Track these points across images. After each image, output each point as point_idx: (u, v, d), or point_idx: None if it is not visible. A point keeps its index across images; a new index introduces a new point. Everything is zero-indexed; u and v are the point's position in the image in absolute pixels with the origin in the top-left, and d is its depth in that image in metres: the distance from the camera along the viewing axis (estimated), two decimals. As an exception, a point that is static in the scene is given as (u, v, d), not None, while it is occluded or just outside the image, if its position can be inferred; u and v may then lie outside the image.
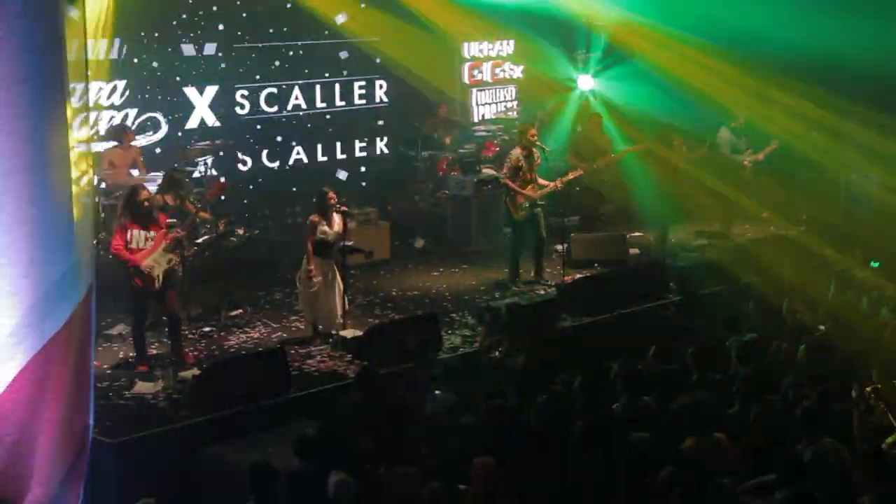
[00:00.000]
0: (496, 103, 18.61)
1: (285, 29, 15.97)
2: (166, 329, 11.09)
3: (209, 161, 14.57)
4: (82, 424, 8.07)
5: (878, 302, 11.46)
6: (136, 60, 14.47)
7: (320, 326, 11.64)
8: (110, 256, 11.01)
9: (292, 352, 11.14)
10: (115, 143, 13.77)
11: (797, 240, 15.11)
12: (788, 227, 16.14)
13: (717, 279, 13.20)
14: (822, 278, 12.53)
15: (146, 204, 10.62)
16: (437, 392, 9.10)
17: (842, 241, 14.38)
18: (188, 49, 14.97)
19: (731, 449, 7.82)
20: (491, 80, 18.52)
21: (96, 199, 12.88)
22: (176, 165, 14.45)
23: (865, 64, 15.66)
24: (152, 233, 10.59)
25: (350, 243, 11.96)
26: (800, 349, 9.77)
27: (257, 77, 15.76)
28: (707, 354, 9.53)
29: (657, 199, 15.27)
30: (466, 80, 18.23)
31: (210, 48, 15.18)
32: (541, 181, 13.49)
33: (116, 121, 14.37)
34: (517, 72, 18.79)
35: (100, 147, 13.80)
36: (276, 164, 16.22)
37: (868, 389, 8.00)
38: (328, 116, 16.67)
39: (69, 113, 7.24)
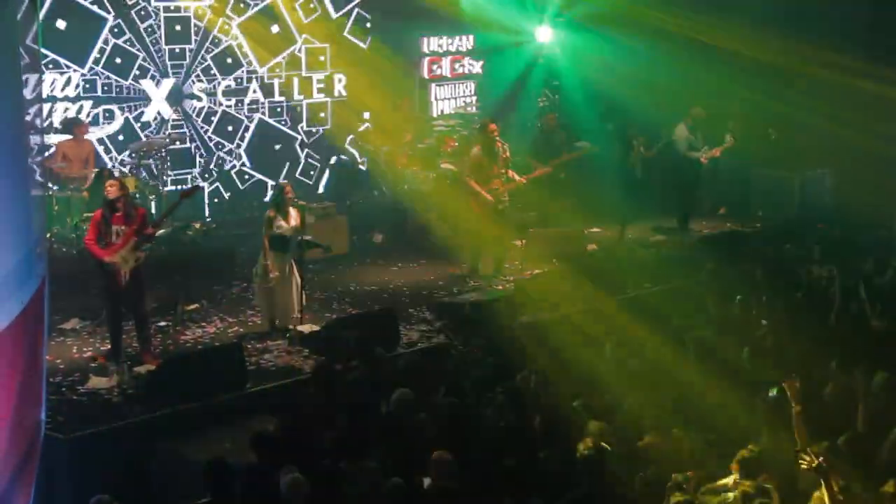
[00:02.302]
0: (455, 98, 18.58)
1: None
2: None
3: (165, 154, 14.46)
4: (34, 420, 7.97)
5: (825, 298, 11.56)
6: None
7: (277, 321, 11.57)
8: (75, 251, 10.91)
9: (249, 347, 11.07)
10: (68, 136, 13.62)
11: (751, 237, 15.26)
12: (744, 223, 16.28)
13: (673, 275, 13.27)
14: (776, 276, 12.62)
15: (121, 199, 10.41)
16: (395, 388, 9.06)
17: (796, 237, 14.51)
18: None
19: (688, 445, 7.85)
20: (450, 76, 18.49)
21: (49, 192, 12.75)
22: (130, 158, 14.38)
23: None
24: (124, 228, 10.36)
25: (308, 238, 11.89)
26: (745, 350, 9.80)
27: (214, 70, 15.62)
28: (662, 351, 9.57)
29: (615, 195, 15.36)
30: (425, 75, 18.19)
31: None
32: (511, 174, 13.48)
33: (71, 113, 14.20)
34: (476, 67, 18.78)
35: (53, 139, 13.65)
36: (235, 158, 16.08)
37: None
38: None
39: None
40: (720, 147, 16.07)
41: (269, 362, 10.85)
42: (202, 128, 15.65)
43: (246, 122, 16.08)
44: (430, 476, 7.40)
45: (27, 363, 7.46)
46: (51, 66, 13.92)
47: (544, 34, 18.92)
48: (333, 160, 17.11)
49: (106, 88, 14.58)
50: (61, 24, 13.93)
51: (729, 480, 7.08)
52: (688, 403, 8.59)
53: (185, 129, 15.38)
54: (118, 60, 14.63)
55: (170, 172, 14.82)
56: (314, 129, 16.90)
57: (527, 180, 13.74)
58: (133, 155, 14.34)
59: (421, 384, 9.08)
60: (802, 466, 6.48)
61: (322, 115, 16.95)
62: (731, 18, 16.68)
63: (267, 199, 15.25)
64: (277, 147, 16.43)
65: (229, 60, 15.73)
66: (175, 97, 15.25)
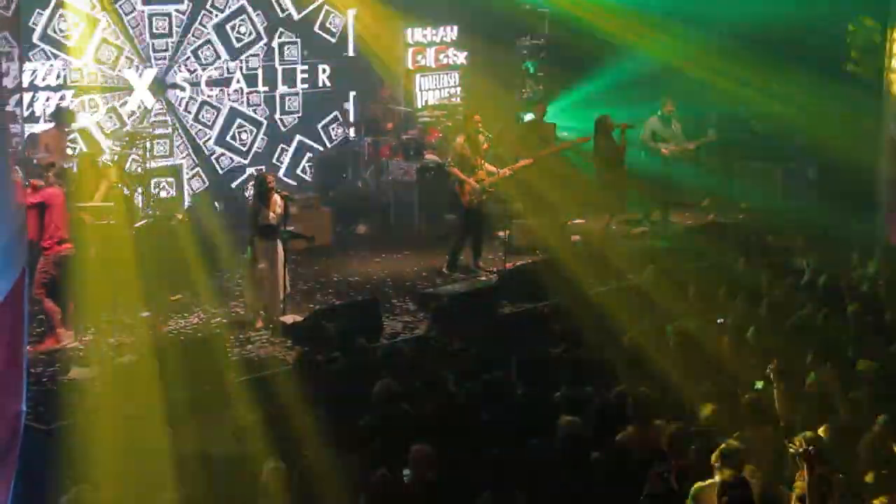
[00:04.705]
0: (440, 89, 18.54)
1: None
2: None
3: (148, 144, 14.40)
4: (14, 410, 7.92)
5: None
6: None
7: (262, 312, 11.53)
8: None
9: (231, 337, 11.05)
10: (51, 126, 13.56)
11: (736, 227, 15.30)
12: (728, 214, 16.31)
13: (656, 266, 13.27)
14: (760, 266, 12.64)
15: None
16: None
17: (781, 228, 14.54)
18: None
19: (670, 435, 7.85)
20: (434, 66, 18.45)
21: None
22: (113, 148, 14.32)
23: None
24: None
25: (291, 228, 11.86)
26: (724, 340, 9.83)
27: (197, 60, 15.55)
28: (644, 342, 9.58)
29: (601, 186, 15.38)
30: (410, 66, 18.14)
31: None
32: (489, 167, 13.50)
33: (53, 102, 14.12)
34: (461, 58, 18.74)
35: (35, 129, 13.57)
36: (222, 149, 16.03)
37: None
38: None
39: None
40: (696, 141, 16.08)
41: (252, 353, 10.83)
42: (185, 117, 15.59)
43: (227, 111, 16.01)
44: (409, 469, 7.40)
45: (7, 353, 7.41)
46: (33, 55, 13.84)
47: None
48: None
49: (89, 78, 14.49)
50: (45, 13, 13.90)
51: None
52: (671, 394, 8.62)
53: (169, 119, 15.30)
54: (102, 50, 14.55)
55: (153, 162, 14.76)
56: (297, 119, 16.83)
57: (511, 172, 13.74)
58: (116, 144, 14.28)
59: (404, 375, 9.08)
60: (790, 451, 6.56)
61: (305, 104, 16.91)
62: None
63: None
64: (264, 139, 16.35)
65: (212, 50, 15.66)
66: (158, 87, 15.19)
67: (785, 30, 16.05)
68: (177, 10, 15.21)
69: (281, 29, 16.33)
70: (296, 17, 16.47)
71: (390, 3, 16.98)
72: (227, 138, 16.04)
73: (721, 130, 16.62)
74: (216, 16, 15.64)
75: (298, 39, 16.54)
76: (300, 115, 16.81)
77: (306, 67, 16.73)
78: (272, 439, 7.84)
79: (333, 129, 17.18)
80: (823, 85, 15.75)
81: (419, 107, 18.12)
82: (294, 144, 16.78)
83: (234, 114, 16.08)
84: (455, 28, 18.45)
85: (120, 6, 14.63)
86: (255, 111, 16.29)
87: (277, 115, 16.58)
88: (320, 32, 16.82)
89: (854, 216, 14.68)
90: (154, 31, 15.04)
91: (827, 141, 15.67)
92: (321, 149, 17.02)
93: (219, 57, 15.77)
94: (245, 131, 16.22)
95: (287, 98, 16.63)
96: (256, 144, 16.34)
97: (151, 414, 9.32)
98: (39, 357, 10.38)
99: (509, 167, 13.77)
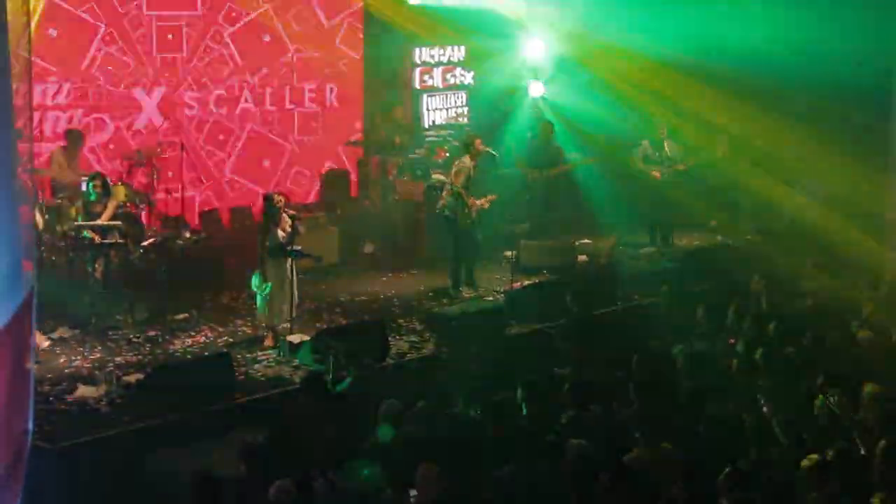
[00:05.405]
0: (447, 109, 18.57)
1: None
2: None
3: (156, 163, 14.43)
4: (21, 429, 7.95)
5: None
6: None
7: (270, 331, 11.52)
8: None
9: (238, 357, 11.04)
10: (61, 145, 13.60)
11: (745, 248, 15.30)
12: (736, 235, 16.30)
13: (665, 287, 13.27)
14: (773, 287, 12.63)
15: None
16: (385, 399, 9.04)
17: (789, 250, 14.53)
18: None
19: (677, 458, 7.83)
20: (441, 86, 18.49)
21: (40, 201, 12.71)
22: (121, 167, 14.36)
23: (812, 73, 15.80)
24: None
25: (298, 248, 11.88)
26: (734, 362, 9.81)
27: (205, 79, 15.60)
28: (653, 363, 9.56)
29: (610, 206, 15.42)
30: (417, 86, 18.18)
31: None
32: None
33: (62, 121, 14.18)
34: (468, 78, 18.77)
35: (45, 148, 13.62)
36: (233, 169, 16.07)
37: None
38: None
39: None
40: (687, 162, 16.05)
41: (259, 372, 10.82)
42: (194, 137, 15.61)
43: (237, 131, 16.05)
44: (416, 489, 7.39)
45: (14, 372, 7.45)
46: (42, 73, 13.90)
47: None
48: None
49: (97, 97, 14.55)
50: (53, 31, 13.96)
51: None
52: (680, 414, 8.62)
53: (177, 138, 15.32)
54: (110, 69, 14.61)
55: (160, 181, 14.79)
56: (305, 139, 16.86)
57: (487, 204, 13.68)
58: (124, 164, 14.32)
59: (410, 395, 9.07)
60: None
61: (314, 124, 16.95)
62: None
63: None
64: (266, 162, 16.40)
65: (221, 69, 15.71)
66: (167, 105, 15.23)
67: (789, 56, 16.05)
68: (186, 27, 15.27)
69: (296, 46, 16.38)
70: (312, 32, 16.50)
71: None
72: (236, 157, 16.06)
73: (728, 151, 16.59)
74: (226, 33, 15.67)
75: (316, 55, 16.57)
76: (317, 135, 16.84)
77: (314, 86, 16.76)
78: (279, 459, 7.83)
79: (353, 150, 17.19)
80: (830, 110, 15.77)
81: (426, 126, 18.14)
82: (313, 165, 16.80)
83: (244, 133, 16.10)
84: (463, 48, 18.49)
85: (128, 21, 14.69)
86: (268, 130, 16.31)
87: (294, 135, 16.61)
88: (342, 46, 16.88)
89: (861, 239, 14.68)
90: (163, 47, 15.08)
91: (835, 164, 15.67)
92: (339, 169, 17.03)
93: (229, 75, 15.80)
94: (257, 151, 16.23)
95: (300, 117, 16.65)
96: (268, 163, 16.35)
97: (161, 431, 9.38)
98: (46, 376, 10.37)
99: (484, 199, 13.65)
